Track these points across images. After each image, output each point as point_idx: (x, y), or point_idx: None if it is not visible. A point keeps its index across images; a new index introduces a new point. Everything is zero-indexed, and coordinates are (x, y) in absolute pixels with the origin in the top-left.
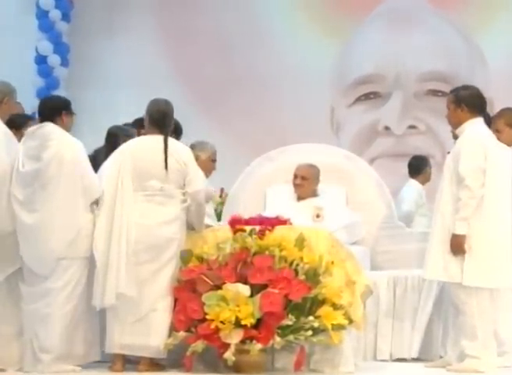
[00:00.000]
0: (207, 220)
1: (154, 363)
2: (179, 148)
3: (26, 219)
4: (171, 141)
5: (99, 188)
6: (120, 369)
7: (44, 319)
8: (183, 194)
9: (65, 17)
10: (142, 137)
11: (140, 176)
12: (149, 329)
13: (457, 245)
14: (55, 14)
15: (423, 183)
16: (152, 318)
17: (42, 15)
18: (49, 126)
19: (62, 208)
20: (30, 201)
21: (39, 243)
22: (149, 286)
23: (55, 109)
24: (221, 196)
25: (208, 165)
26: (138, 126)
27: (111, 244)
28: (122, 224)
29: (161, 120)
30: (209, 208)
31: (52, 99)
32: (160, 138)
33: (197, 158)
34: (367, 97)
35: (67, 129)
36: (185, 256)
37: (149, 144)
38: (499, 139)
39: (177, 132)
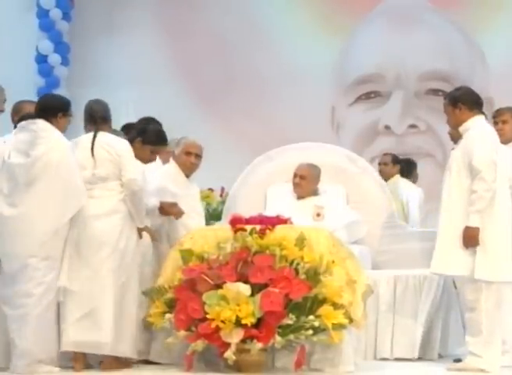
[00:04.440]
0: (195, 218)
1: (119, 361)
2: (112, 141)
3: (5, 211)
4: (105, 135)
5: (84, 194)
6: (80, 368)
7: (19, 320)
8: (121, 185)
9: (66, 16)
10: (81, 136)
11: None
12: (95, 325)
13: (471, 238)
14: (56, 13)
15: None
16: (97, 314)
17: (43, 14)
18: (41, 123)
19: (43, 208)
20: (12, 195)
21: (14, 237)
22: (90, 281)
23: (51, 109)
24: (221, 195)
25: (183, 158)
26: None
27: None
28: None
29: (89, 118)
30: (199, 207)
31: (52, 99)
32: (91, 134)
33: (173, 155)
34: (367, 96)
35: (61, 129)
36: (185, 256)
37: (82, 140)
38: (502, 130)
39: (159, 140)
